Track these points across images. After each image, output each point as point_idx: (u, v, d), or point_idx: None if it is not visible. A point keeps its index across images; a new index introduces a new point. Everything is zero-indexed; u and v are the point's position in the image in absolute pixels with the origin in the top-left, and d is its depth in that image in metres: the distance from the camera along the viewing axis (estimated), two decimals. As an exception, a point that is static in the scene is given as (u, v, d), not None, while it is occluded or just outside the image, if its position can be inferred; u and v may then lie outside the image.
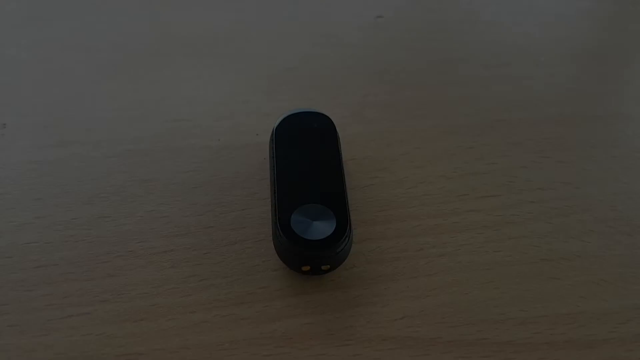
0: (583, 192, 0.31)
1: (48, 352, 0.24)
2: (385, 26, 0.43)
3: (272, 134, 0.30)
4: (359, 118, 0.35)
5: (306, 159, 0.29)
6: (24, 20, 0.41)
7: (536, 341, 0.25)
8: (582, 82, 0.39)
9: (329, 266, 0.25)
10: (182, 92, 0.36)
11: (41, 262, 0.26)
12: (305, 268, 0.25)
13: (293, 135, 0.30)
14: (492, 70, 0.39)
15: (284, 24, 0.42)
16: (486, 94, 0.37)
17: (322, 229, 0.25)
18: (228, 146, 0.33)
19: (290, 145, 0.29)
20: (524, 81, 0.38)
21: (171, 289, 0.26)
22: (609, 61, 0.41)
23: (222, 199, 0.30)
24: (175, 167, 0.31)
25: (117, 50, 0.39)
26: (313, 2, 0.44)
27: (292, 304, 0.26)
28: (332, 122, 0.31)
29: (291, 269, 0.26)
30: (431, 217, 0.30)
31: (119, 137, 0.33)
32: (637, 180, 0.32)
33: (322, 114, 0.31)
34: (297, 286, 0.26)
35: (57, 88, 0.36)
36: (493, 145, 0.34)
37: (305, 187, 0.27)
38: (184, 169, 0.31)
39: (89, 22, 0.41)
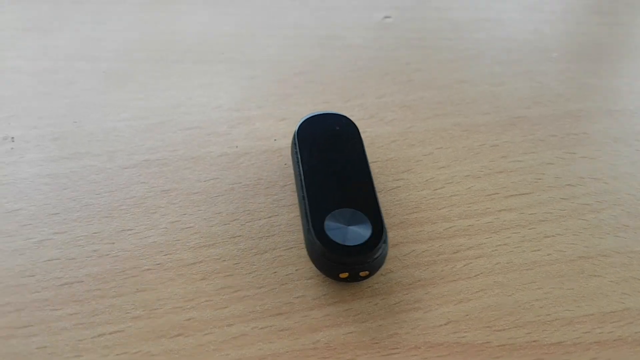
0: (612, 187, 0.31)
1: (79, 375, 0.22)
2: (393, 26, 0.42)
3: (293, 138, 0.30)
4: (377, 120, 0.34)
5: (332, 162, 0.28)
6: (21, 31, 0.40)
7: (586, 341, 0.24)
8: (597, 76, 0.38)
9: (367, 272, 0.24)
10: (193, 99, 0.35)
11: (65, 280, 0.25)
12: (343, 275, 0.24)
13: (316, 138, 0.29)
14: (506, 67, 0.39)
15: (292, 28, 0.41)
16: (502, 91, 0.37)
17: (359, 233, 0.24)
18: (246, 153, 0.32)
19: (314, 149, 0.28)
20: (539, 77, 0.38)
21: (205, 302, 0.25)
22: (621, 55, 0.40)
23: (247, 207, 0.29)
24: (194, 176, 0.30)
25: (121, 59, 0.38)
26: (319, 5, 0.44)
27: (332, 313, 0.25)
28: (353, 123, 0.30)
29: (327, 277, 0.25)
30: (463, 218, 0.29)
31: (133, 147, 0.31)
32: (664, 173, 0.31)
33: (343, 116, 0.30)
34: (335, 294, 0.25)
35: (63, 99, 0.34)
36: (516, 143, 0.33)
37: (335, 191, 0.26)
38: (204, 177, 0.30)
39: (89, 31, 0.40)
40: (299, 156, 0.28)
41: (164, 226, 0.27)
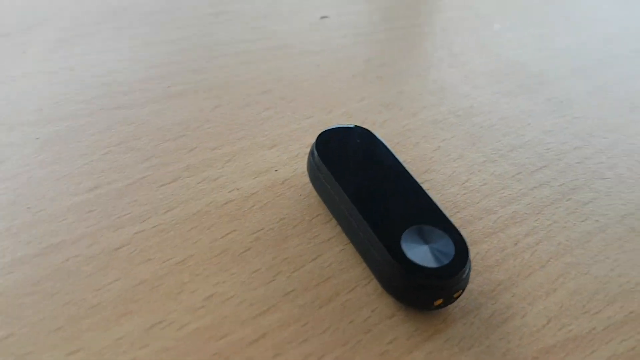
0: (612, 140, 0.31)
1: None
2: (335, 25, 0.40)
3: (311, 162, 0.26)
4: (369, 124, 0.32)
5: (371, 179, 0.25)
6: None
7: (676, 298, 0.24)
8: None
9: (460, 291, 0.22)
10: (160, 146, 0.30)
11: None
12: (438, 302, 0.22)
13: (338, 156, 0.26)
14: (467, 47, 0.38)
15: (235, 44, 0.37)
16: (481, 65, 0.36)
17: (443, 250, 0.22)
18: (252, 193, 0.28)
19: (342, 169, 0.25)
20: (499, 50, 0.38)
21: (294, 382, 0.21)
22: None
23: (284, 254, 0.25)
24: (206, 235, 0.25)
25: (46, 121, 0.31)
26: (247, 15, 0.40)
27: (434, 348, 0.22)
28: (370, 132, 0.27)
29: (417, 308, 0.22)
30: (504, 205, 0.27)
31: (115, 220, 0.26)
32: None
33: (356, 126, 0.28)
34: (426, 327, 0.22)
35: (-3, 182, 0.27)
36: (510, 118, 0.33)
37: (394, 209, 0.23)
38: (218, 234, 0.25)
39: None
40: (330, 180, 0.25)
41: (200, 304, 0.23)
